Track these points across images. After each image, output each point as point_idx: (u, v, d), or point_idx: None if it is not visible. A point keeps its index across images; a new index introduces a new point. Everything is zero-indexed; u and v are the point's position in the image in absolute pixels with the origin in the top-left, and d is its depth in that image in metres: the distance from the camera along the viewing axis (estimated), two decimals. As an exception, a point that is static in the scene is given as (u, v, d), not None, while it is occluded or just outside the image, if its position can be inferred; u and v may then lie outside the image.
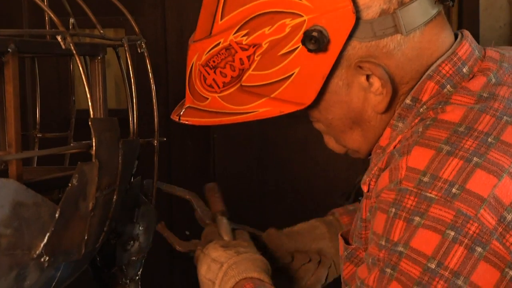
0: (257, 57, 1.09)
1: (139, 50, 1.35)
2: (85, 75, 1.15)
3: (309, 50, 1.06)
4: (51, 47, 1.23)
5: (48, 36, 1.35)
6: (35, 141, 1.53)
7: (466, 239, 0.97)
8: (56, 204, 1.08)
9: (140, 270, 1.46)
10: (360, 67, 1.08)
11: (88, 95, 1.14)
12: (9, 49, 1.06)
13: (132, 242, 1.41)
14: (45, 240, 1.07)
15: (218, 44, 1.11)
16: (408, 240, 0.99)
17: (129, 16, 1.33)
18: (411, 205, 0.99)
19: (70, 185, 1.09)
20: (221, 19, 1.11)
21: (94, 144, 1.11)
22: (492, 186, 0.98)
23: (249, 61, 1.10)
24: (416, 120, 1.08)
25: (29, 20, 2.79)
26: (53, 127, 1.64)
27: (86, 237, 1.15)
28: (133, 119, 1.31)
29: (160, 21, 2.91)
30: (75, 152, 1.18)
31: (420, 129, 1.04)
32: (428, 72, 1.10)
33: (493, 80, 1.09)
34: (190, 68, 1.17)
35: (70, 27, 1.39)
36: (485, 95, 1.06)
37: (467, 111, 1.04)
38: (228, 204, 3.11)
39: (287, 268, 1.43)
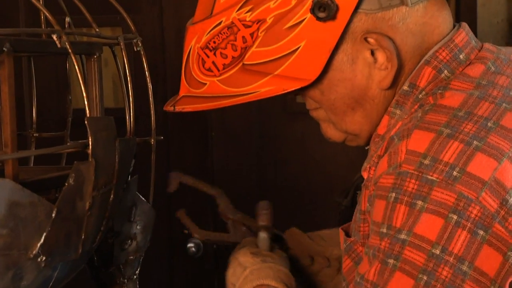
0: (261, 33, 1.08)
1: (135, 48, 1.34)
2: (81, 74, 1.15)
3: (318, 19, 1.05)
4: (46, 46, 1.23)
5: (44, 35, 1.35)
6: (31, 140, 1.53)
7: (469, 223, 0.96)
8: (52, 204, 1.08)
9: (138, 269, 1.46)
10: (366, 41, 1.08)
11: (84, 94, 1.14)
12: (4, 49, 1.06)
13: (129, 241, 1.41)
14: (42, 240, 1.07)
15: (220, 23, 1.10)
16: (412, 226, 0.97)
17: (124, 14, 1.33)
18: (413, 188, 0.98)
19: (66, 184, 1.09)
20: None
21: (90, 143, 1.11)
22: (493, 169, 0.98)
23: (252, 38, 1.08)
24: (416, 106, 1.08)
25: (25, 20, 2.79)
26: (50, 126, 1.64)
27: (83, 237, 1.15)
28: (130, 117, 1.30)
29: (158, 19, 2.90)
30: (72, 151, 1.18)
31: (420, 114, 1.04)
32: (426, 58, 1.10)
33: (492, 68, 1.09)
34: (187, 53, 1.15)
35: (66, 26, 1.39)
36: (484, 82, 1.07)
37: (467, 97, 1.04)
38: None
39: (306, 270, 1.43)
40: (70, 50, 1.12)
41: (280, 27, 1.07)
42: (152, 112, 1.38)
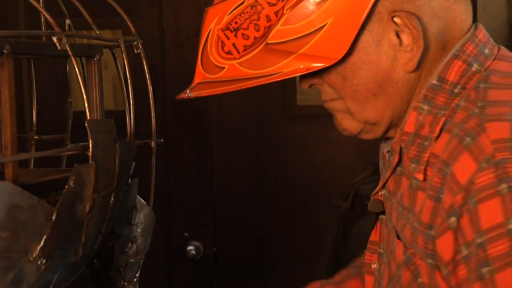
0: (286, 10, 1.06)
1: (135, 51, 1.34)
2: (81, 76, 1.14)
3: None
4: (46, 48, 1.22)
5: (44, 37, 1.35)
6: (31, 143, 1.52)
7: None
8: (52, 207, 1.07)
9: (138, 272, 1.45)
10: (393, 21, 1.07)
11: (85, 97, 1.13)
12: (4, 51, 1.06)
13: (130, 244, 1.41)
14: (42, 243, 1.07)
15: (243, 2, 1.08)
16: None
17: (125, 16, 1.33)
18: None
19: (66, 187, 1.08)
20: None
21: (90, 146, 1.11)
22: None
23: (277, 16, 1.07)
24: (456, 101, 1.07)
25: (26, 21, 2.78)
26: (50, 128, 1.63)
27: (83, 240, 1.14)
28: (130, 120, 1.30)
29: (157, 22, 2.90)
30: (72, 154, 1.17)
31: (477, 110, 1.03)
32: (454, 52, 1.09)
33: None
34: (205, 37, 1.12)
35: (66, 28, 1.38)
36: None
37: None
38: (227, 204, 3.11)
39: None
40: (70, 53, 1.11)
41: (307, 4, 1.05)
42: (153, 114, 1.38)
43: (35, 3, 1.16)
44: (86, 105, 1.13)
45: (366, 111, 1.13)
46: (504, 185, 0.95)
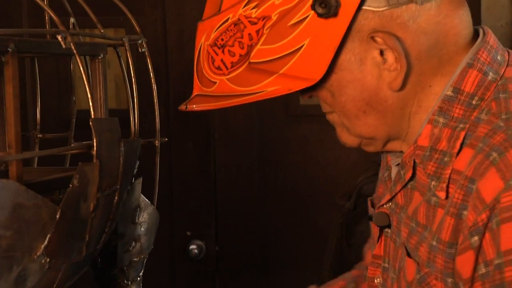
0: (266, 30, 1.06)
1: (140, 49, 1.34)
2: (85, 75, 1.14)
3: (319, 15, 1.03)
4: (51, 46, 1.22)
5: (48, 36, 1.35)
6: (35, 141, 1.52)
7: None
8: (56, 205, 1.07)
9: (142, 271, 1.45)
10: (374, 40, 1.05)
11: (89, 95, 1.13)
12: (8, 49, 1.05)
13: (133, 243, 1.41)
14: (46, 242, 1.07)
15: (227, 20, 1.08)
16: None
17: (129, 15, 1.33)
18: None
19: (70, 185, 1.08)
20: None
21: (95, 145, 1.11)
22: None
23: (257, 35, 1.06)
24: (475, 113, 1.05)
25: (29, 20, 2.78)
26: (54, 127, 1.63)
27: (87, 238, 1.14)
28: (134, 119, 1.30)
29: (160, 21, 2.90)
30: (76, 152, 1.17)
31: (502, 124, 1.01)
32: (467, 60, 1.07)
33: None
34: (198, 51, 1.13)
35: (71, 26, 1.38)
36: None
37: None
38: (229, 203, 3.11)
39: None
40: (75, 51, 1.11)
41: (285, 24, 1.05)
42: (157, 113, 1.37)
43: (39, 2, 1.16)
44: (90, 103, 1.13)
45: (358, 127, 1.12)
46: None
